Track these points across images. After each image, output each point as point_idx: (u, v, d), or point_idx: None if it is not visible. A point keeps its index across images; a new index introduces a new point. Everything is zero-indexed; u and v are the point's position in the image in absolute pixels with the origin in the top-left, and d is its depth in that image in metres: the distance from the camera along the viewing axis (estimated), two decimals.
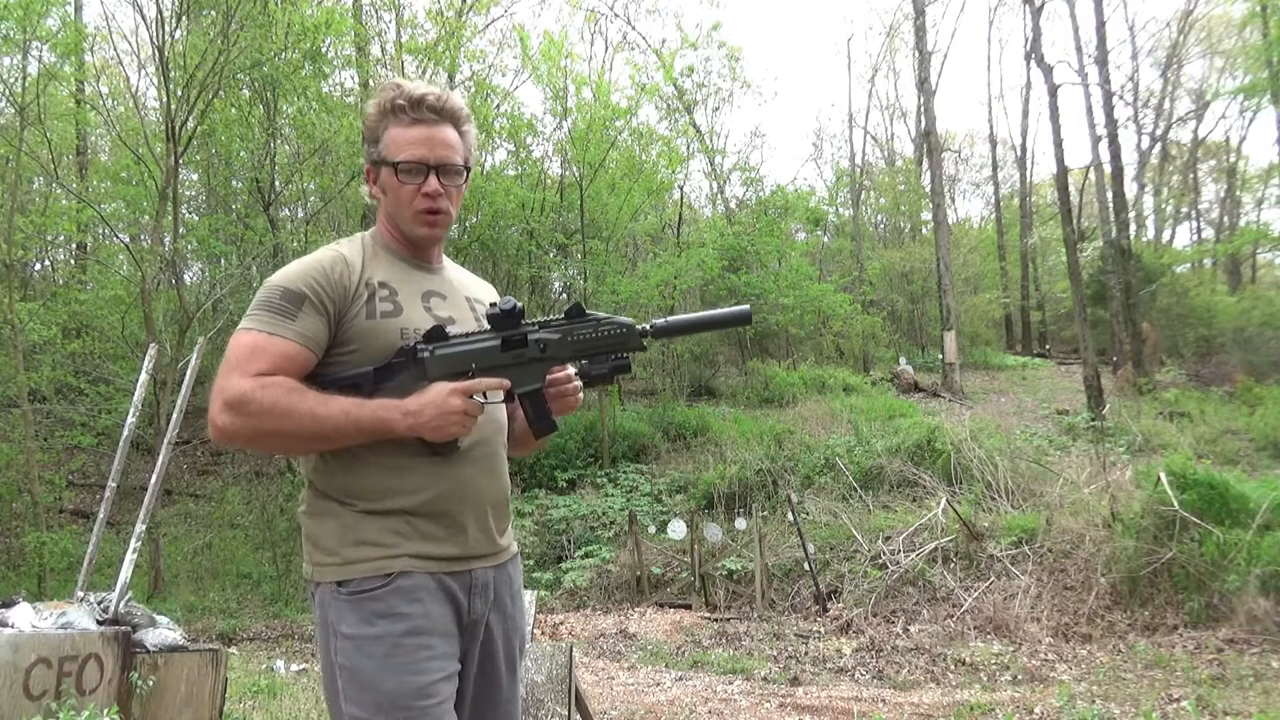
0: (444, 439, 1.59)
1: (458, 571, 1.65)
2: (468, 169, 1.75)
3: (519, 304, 1.66)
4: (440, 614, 1.60)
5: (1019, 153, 29.63)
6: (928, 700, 5.52)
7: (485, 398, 1.62)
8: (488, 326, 1.68)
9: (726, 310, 1.71)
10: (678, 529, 9.86)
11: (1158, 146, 27.63)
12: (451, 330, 1.67)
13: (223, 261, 15.00)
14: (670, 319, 1.70)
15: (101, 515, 4.08)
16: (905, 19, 26.96)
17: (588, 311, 1.68)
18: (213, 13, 12.35)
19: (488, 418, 1.69)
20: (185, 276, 16.12)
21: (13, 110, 12.08)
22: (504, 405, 1.75)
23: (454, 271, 1.88)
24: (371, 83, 16.51)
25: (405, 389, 1.59)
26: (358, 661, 1.54)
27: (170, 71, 11.61)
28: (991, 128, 42.87)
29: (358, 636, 1.55)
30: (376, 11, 17.27)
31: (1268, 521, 6.96)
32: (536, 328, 1.67)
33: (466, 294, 1.82)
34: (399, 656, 1.53)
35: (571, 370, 1.74)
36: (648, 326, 1.67)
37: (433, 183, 1.67)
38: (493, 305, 1.65)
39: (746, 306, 1.73)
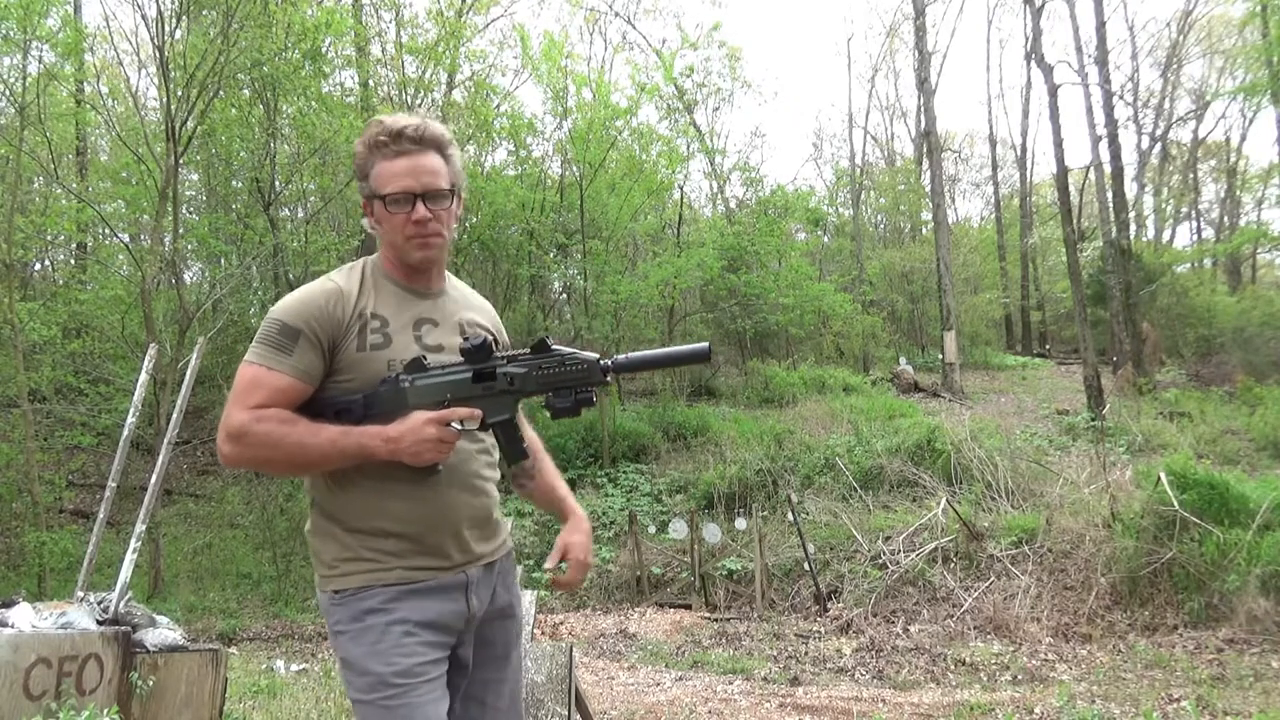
0: (422, 464, 1.70)
1: (449, 576, 1.78)
2: (454, 191, 1.83)
3: (488, 338, 1.76)
4: (429, 607, 1.74)
5: (1019, 153, 29.66)
6: (928, 700, 5.52)
7: (462, 425, 1.73)
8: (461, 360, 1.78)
9: (686, 348, 1.78)
10: (678, 529, 9.86)
11: (1158, 146, 27.64)
12: (438, 358, 1.78)
13: (223, 261, 14.98)
14: (631, 355, 1.78)
15: (101, 515, 4.07)
16: (905, 19, 26.98)
17: (553, 346, 1.76)
18: (213, 13, 12.34)
19: (470, 440, 1.81)
20: (185, 276, 16.12)
21: (13, 110, 12.08)
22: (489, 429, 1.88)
23: (454, 293, 1.95)
24: (371, 82, 16.52)
25: (389, 415, 1.71)
26: (351, 651, 1.71)
27: (170, 71, 11.60)
28: (991, 128, 42.86)
29: (349, 630, 1.72)
30: (377, 11, 17.27)
31: (1268, 521, 6.96)
32: (505, 361, 1.77)
33: (459, 318, 1.90)
34: (385, 642, 1.69)
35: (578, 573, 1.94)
36: (609, 363, 1.75)
37: (420, 210, 1.76)
38: (465, 340, 1.75)
39: (706, 344, 1.79)
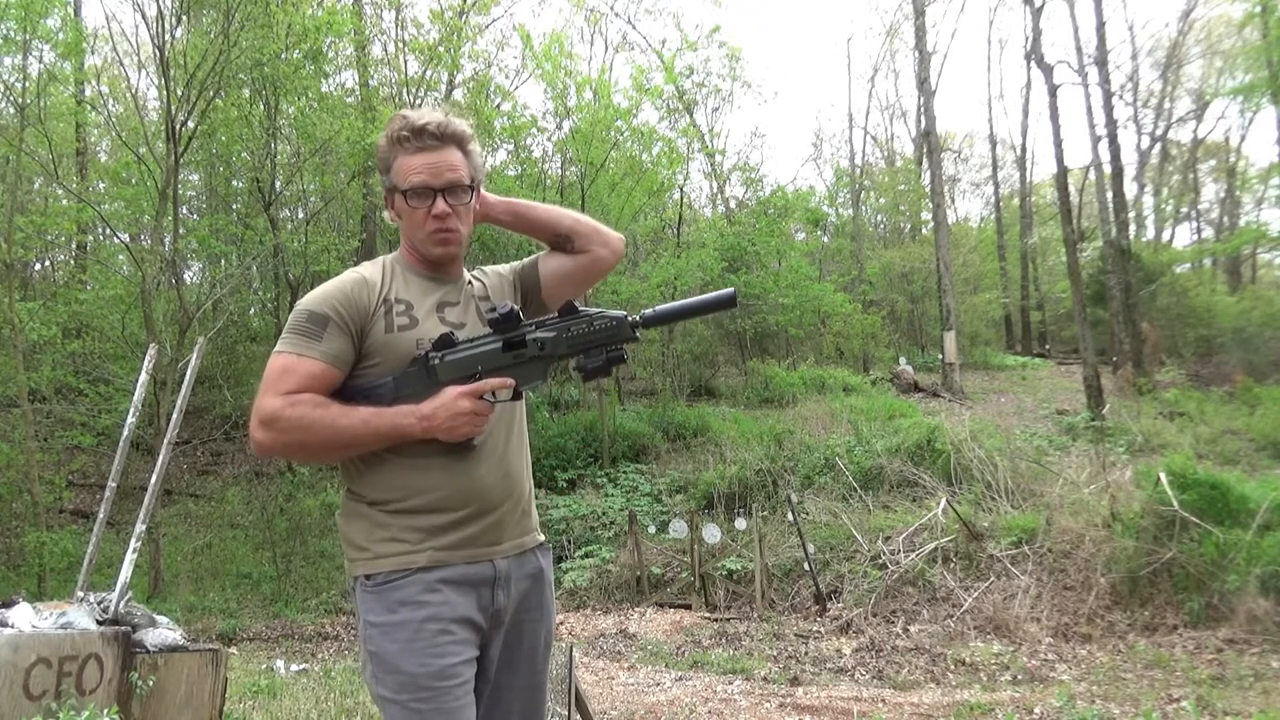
0: (458, 439, 1.70)
1: (479, 562, 1.75)
2: (474, 187, 1.86)
3: (515, 307, 1.74)
4: (460, 603, 1.71)
5: (1019, 153, 29.68)
6: (928, 700, 5.52)
7: (495, 397, 1.72)
8: (490, 331, 1.77)
9: (712, 295, 1.76)
10: (678, 529, 9.85)
11: (1158, 146, 27.68)
12: (461, 335, 1.78)
13: (223, 261, 14.99)
14: (659, 308, 1.77)
15: (101, 515, 4.07)
16: (905, 19, 26.98)
17: (580, 308, 1.75)
18: (213, 12, 12.34)
19: (503, 419, 1.80)
20: (185, 276, 16.12)
21: (13, 110, 12.08)
22: (519, 405, 1.89)
23: (477, 281, 1.97)
24: (372, 82, 16.52)
25: (420, 394, 1.71)
26: (384, 646, 1.68)
27: (170, 71, 11.61)
28: (991, 128, 43.03)
29: (383, 623, 1.69)
30: (378, 11, 17.27)
31: (1268, 522, 6.96)
32: (534, 327, 1.76)
33: (475, 295, 1.92)
34: (420, 641, 1.66)
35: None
36: (638, 317, 1.73)
37: (440, 205, 1.79)
38: (491, 310, 1.75)
39: (731, 289, 1.79)
